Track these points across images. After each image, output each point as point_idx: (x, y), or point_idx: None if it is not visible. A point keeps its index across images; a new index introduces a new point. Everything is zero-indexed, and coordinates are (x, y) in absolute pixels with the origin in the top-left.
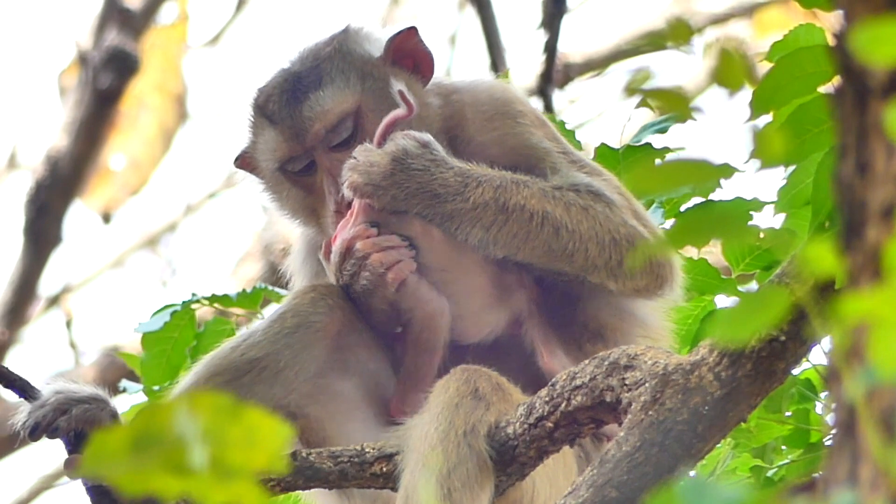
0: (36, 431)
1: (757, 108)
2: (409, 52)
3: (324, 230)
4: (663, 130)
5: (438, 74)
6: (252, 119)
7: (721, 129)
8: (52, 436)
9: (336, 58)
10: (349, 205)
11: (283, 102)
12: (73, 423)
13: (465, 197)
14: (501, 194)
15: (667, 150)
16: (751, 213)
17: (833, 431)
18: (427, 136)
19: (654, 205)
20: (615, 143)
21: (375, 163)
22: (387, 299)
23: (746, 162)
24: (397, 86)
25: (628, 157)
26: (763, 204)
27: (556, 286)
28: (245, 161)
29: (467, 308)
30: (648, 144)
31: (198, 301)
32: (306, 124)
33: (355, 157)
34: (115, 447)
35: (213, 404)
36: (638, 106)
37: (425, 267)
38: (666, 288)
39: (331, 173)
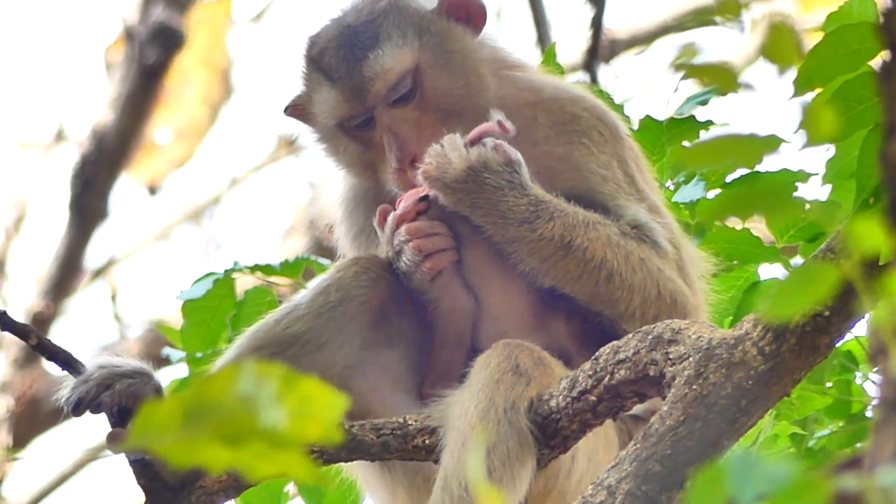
0: (79, 407)
1: (802, 84)
2: (461, 4)
3: (381, 185)
4: (704, 103)
5: (513, 52)
6: (306, 71)
7: (768, 104)
8: (95, 411)
9: (392, 12)
10: (412, 162)
11: (340, 59)
12: (117, 398)
13: (533, 227)
14: (569, 232)
15: (710, 123)
16: (796, 184)
17: (879, 408)
18: (516, 156)
19: (696, 177)
20: (660, 117)
21: (453, 163)
22: (422, 285)
23: (793, 135)
24: (495, 115)
25: (672, 130)
26: (809, 175)
27: (597, 323)
28: (297, 111)
29: (499, 323)
30: (692, 117)
31: (240, 270)
32: (367, 85)
33: (441, 145)
34: (164, 418)
35: (270, 373)
36: (683, 78)
37: (466, 267)
38: None
39: (391, 130)
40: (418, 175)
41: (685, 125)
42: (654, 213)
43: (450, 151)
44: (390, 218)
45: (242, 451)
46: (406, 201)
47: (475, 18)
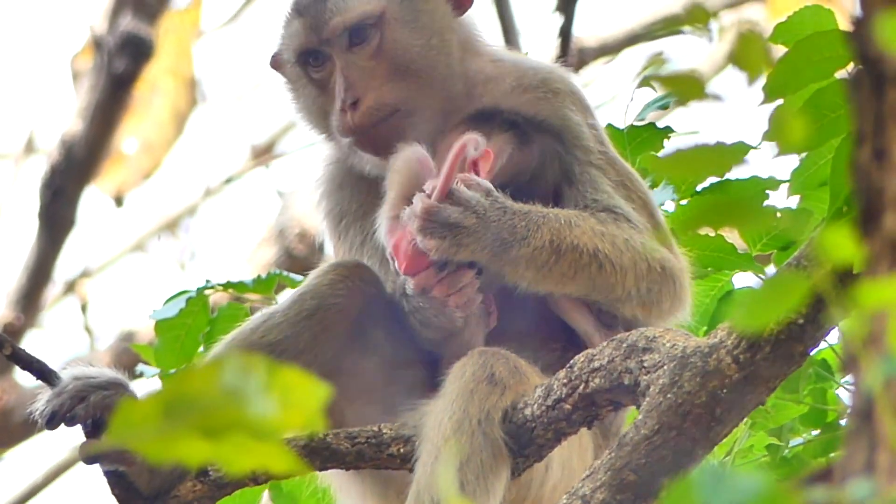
0: (53, 420)
1: (772, 92)
2: None
3: (330, 133)
4: (665, 107)
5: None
6: (286, 16)
7: (738, 113)
8: (69, 424)
9: None
10: (354, 105)
11: None
12: (91, 410)
13: (527, 242)
14: (556, 236)
15: (670, 129)
16: (767, 192)
17: (850, 419)
18: (487, 185)
19: (664, 183)
20: (621, 125)
21: (456, 220)
22: (444, 330)
23: (761, 143)
24: (467, 142)
25: (634, 138)
26: (779, 182)
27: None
28: (276, 61)
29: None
30: (652, 124)
31: (212, 287)
32: (327, 17)
33: (426, 217)
34: (143, 414)
35: (250, 364)
36: (640, 86)
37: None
38: (684, 310)
39: (343, 72)
40: (419, 240)
41: (646, 133)
42: (623, 188)
43: (438, 215)
44: (411, 287)
45: (222, 444)
46: (424, 276)
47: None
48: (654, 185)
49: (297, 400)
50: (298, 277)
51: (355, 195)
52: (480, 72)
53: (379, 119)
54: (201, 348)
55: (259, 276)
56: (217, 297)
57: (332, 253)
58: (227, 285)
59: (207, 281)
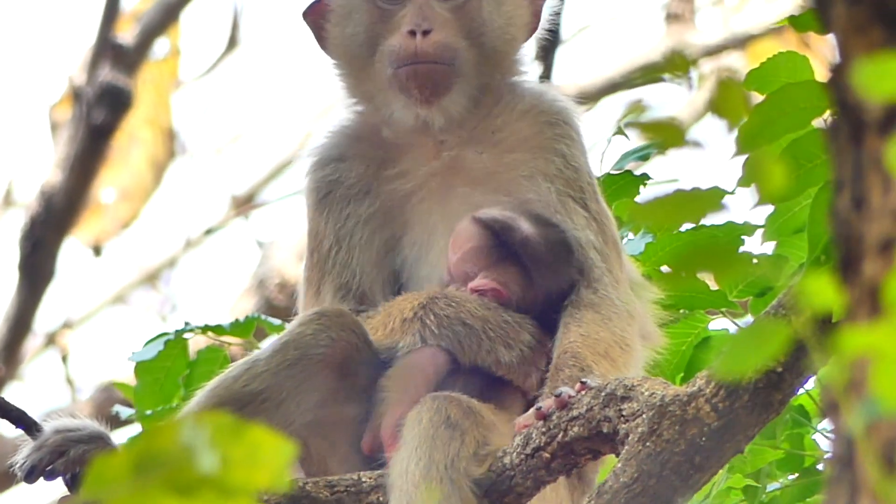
0: (33, 474)
1: (745, 142)
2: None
3: (368, 64)
4: (646, 157)
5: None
6: None
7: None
8: (49, 478)
9: None
10: (425, 33)
11: None
12: (70, 465)
13: None
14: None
15: (646, 177)
16: (742, 237)
17: (831, 464)
18: None
19: (641, 231)
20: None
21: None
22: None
23: (736, 190)
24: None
25: (610, 185)
26: (755, 228)
27: None
28: (317, 10)
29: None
30: (628, 172)
31: (191, 330)
32: None
33: None
34: (115, 470)
35: (216, 421)
36: (614, 135)
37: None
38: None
39: (421, 7)
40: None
41: (623, 180)
42: (596, 223)
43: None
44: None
45: (193, 501)
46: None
47: (536, 13)
48: (634, 232)
49: (265, 458)
50: (276, 322)
51: (355, 167)
52: (514, 85)
53: (440, 57)
54: (182, 391)
55: (237, 320)
56: (197, 343)
57: (311, 234)
58: (206, 328)
59: (186, 323)
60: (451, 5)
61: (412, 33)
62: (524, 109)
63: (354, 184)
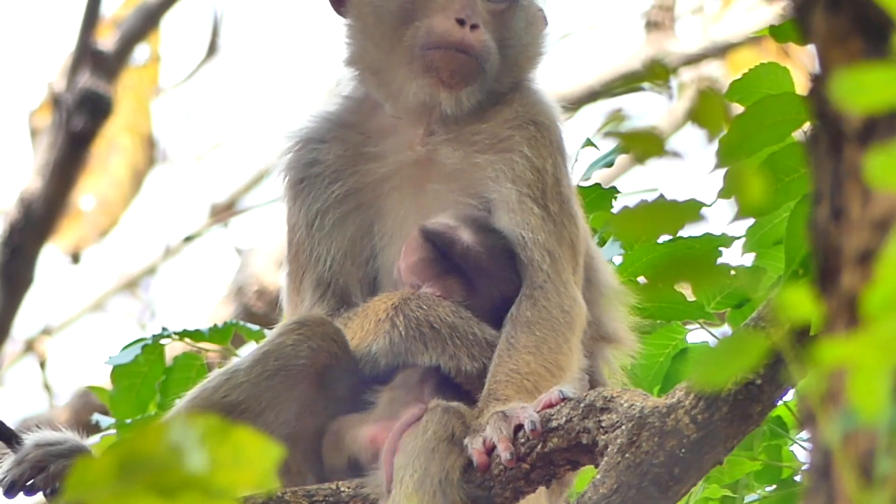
0: (13, 489)
1: (725, 155)
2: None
3: (395, 40)
4: (610, 164)
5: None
6: None
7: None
8: (28, 493)
9: None
10: (473, 27)
11: None
12: (51, 480)
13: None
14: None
15: (615, 190)
16: (720, 248)
17: (809, 475)
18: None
19: (612, 238)
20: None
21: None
22: None
23: (715, 202)
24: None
25: (582, 198)
26: (732, 239)
27: None
28: None
29: None
30: (598, 185)
31: (168, 336)
32: None
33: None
34: (98, 473)
35: (203, 423)
36: (583, 147)
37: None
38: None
39: (469, 1)
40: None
41: (593, 193)
42: (555, 225)
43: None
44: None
45: (177, 502)
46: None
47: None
48: (602, 242)
49: (250, 460)
50: (255, 327)
51: (333, 149)
52: (513, 95)
53: (479, 54)
54: (157, 397)
55: (215, 325)
56: (174, 349)
57: (288, 223)
58: (184, 334)
59: (164, 329)
60: (492, 8)
61: (461, 22)
62: (508, 116)
63: (331, 165)
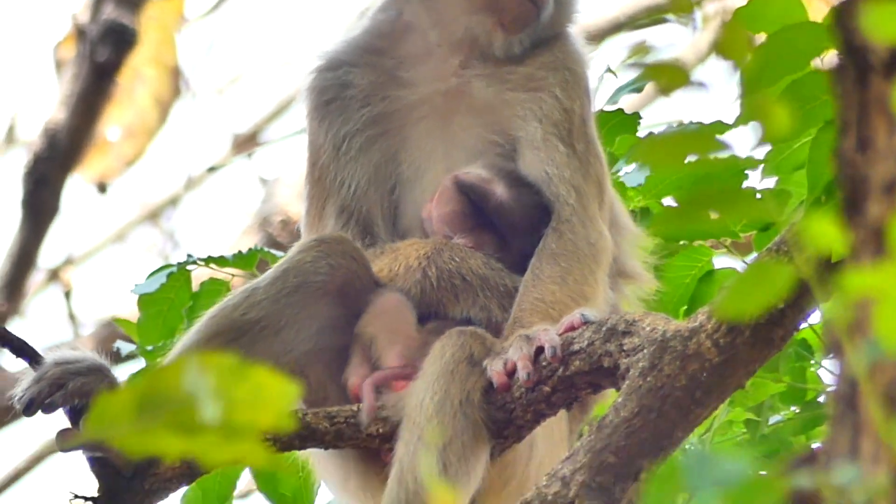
0: (31, 407)
1: (748, 84)
2: None
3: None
4: (639, 90)
5: None
6: None
7: (718, 102)
8: (47, 411)
9: None
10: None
11: None
12: (69, 398)
13: None
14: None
15: (638, 115)
16: (745, 172)
17: (834, 403)
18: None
19: (636, 165)
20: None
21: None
22: None
23: (737, 125)
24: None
25: (605, 123)
26: (758, 162)
27: None
28: None
29: None
30: (620, 110)
31: (194, 262)
32: None
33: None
34: (118, 409)
35: (220, 363)
36: (605, 73)
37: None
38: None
39: None
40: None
41: (616, 119)
42: (579, 161)
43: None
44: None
45: (196, 440)
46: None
47: None
48: (629, 162)
49: (269, 399)
50: (279, 253)
51: (366, 74)
52: (552, 41)
53: (542, 4)
54: (185, 323)
55: (240, 252)
56: (201, 276)
57: (310, 146)
58: (209, 260)
59: (189, 256)
60: None
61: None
62: (545, 61)
63: (362, 89)
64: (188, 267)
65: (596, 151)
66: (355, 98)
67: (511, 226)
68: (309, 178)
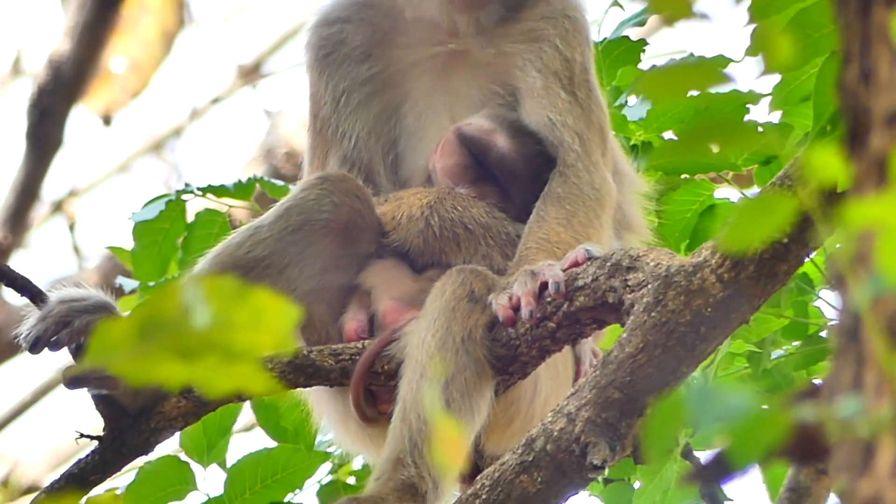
0: (37, 345)
1: (756, 12)
2: None
3: None
4: (642, 23)
5: None
6: None
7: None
8: (53, 349)
9: None
10: None
11: None
12: (75, 335)
13: None
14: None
15: (644, 42)
16: (747, 105)
17: (837, 337)
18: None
19: (640, 98)
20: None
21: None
22: None
23: (743, 59)
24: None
25: (609, 53)
26: (760, 96)
27: None
28: None
29: None
30: (626, 38)
31: (191, 191)
32: None
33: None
34: (119, 337)
35: (219, 286)
36: (611, 6)
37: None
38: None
39: None
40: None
41: (622, 47)
42: (581, 108)
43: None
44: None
45: (198, 366)
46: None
47: None
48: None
49: (270, 321)
50: (279, 183)
51: (362, 30)
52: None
53: None
54: (179, 254)
55: (239, 181)
56: (197, 207)
57: (312, 98)
58: (207, 189)
59: (187, 185)
60: None
61: None
62: (543, 11)
63: (358, 46)
64: (185, 196)
65: (598, 100)
66: (354, 56)
67: (512, 176)
68: (311, 129)
